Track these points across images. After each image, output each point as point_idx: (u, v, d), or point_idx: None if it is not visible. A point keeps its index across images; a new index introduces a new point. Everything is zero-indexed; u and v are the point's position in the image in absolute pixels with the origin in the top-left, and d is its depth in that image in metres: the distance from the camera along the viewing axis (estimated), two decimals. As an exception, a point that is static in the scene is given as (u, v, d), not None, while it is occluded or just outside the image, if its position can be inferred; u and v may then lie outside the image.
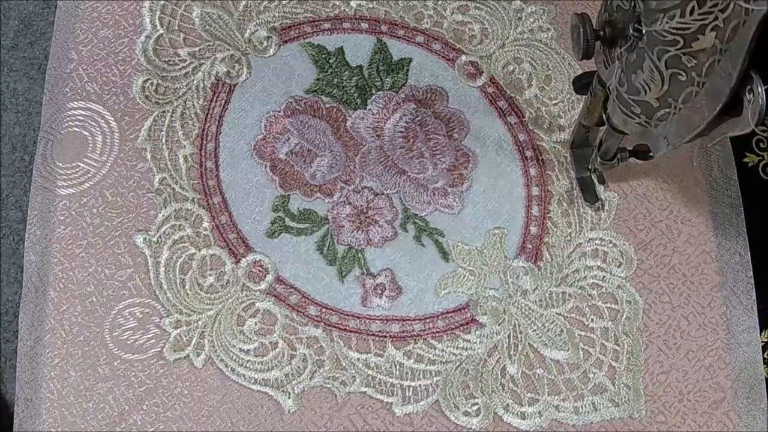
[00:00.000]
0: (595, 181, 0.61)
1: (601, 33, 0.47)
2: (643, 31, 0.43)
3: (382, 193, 0.62)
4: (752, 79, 0.38)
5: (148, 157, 0.62)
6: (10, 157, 0.62)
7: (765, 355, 0.62)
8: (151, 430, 0.56)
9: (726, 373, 0.60)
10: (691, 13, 0.39)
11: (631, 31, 0.44)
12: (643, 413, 0.59)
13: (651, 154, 0.55)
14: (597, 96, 0.52)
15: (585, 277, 0.61)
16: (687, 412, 0.59)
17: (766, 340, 0.63)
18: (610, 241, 0.62)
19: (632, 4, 0.44)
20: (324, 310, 0.59)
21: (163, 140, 0.63)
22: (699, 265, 0.62)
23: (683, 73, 0.42)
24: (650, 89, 0.45)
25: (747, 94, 0.38)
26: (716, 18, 0.39)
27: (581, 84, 0.54)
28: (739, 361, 0.60)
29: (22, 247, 0.59)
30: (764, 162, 0.67)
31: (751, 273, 0.61)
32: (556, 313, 0.60)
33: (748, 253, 0.62)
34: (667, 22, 0.41)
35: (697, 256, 0.62)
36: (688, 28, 0.40)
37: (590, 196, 0.61)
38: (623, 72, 0.46)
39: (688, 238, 0.62)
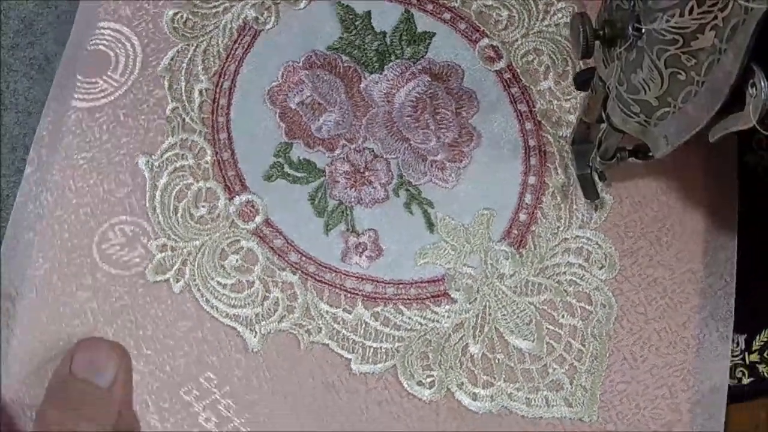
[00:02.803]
0: (596, 178, 0.54)
1: (601, 32, 0.42)
2: (643, 31, 0.39)
3: (382, 157, 0.56)
4: (754, 72, 0.34)
5: (166, 85, 0.57)
6: (10, 157, 0.56)
7: (765, 355, 0.56)
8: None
9: (687, 396, 0.53)
10: (691, 12, 0.36)
11: (630, 30, 0.40)
12: (594, 419, 0.52)
13: (651, 153, 0.48)
14: (597, 92, 0.47)
15: (564, 273, 0.54)
16: (639, 426, 0.52)
17: (766, 339, 0.57)
18: (597, 243, 0.55)
19: (632, 4, 0.40)
20: (304, 258, 0.54)
21: (183, 72, 0.57)
22: (682, 282, 0.54)
23: (683, 72, 0.38)
24: (650, 88, 0.40)
25: (750, 88, 0.35)
26: (715, 17, 0.35)
27: (582, 80, 0.49)
28: (703, 388, 0.53)
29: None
30: (764, 162, 0.61)
31: (733, 301, 0.54)
32: (529, 302, 0.54)
33: (734, 281, 0.54)
34: (666, 21, 0.37)
35: (682, 274, 0.55)
36: (688, 27, 0.36)
37: (591, 194, 0.54)
38: (623, 71, 0.42)
39: (677, 253, 0.55)
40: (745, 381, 0.57)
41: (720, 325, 0.54)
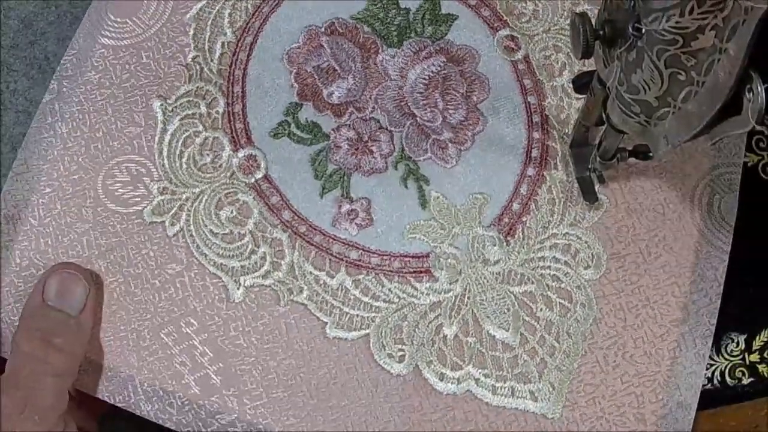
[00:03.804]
0: (595, 180, 0.52)
1: (601, 32, 0.40)
2: (643, 31, 0.37)
3: (387, 129, 0.54)
4: (752, 78, 0.32)
5: (191, 33, 0.55)
6: (10, 156, 0.56)
7: (765, 355, 0.55)
8: (109, 279, 0.50)
9: (653, 409, 0.50)
10: (691, 12, 0.34)
11: (630, 30, 0.38)
12: (558, 416, 0.50)
13: (650, 154, 0.48)
14: (596, 95, 0.45)
15: (549, 267, 0.52)
16: (601, 431, 0.48)
17: (766, 339, 0.55)
18: (586, 242, 0.52)
19: (632, 4, 0.38)
20: (296, 218, 0.52)
21: (209, 23, 0.56)
22: (666, 294, 0.52)
23: (683, 73, 0.36)
24: (650, 88, 0.38)
25: (747, 93, 0.33)
26: (716, 17, 0.33)
27: (581, 83, 0.46)
28: (671, 403, 0.50)
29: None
30: (764, 162, 0.58)
31: (715, 321, 0.51)
32: (509, 291, 0.51)
33: (719, 301, 0.51)
34: (666, 21, 0.35)
35: (667, 286, 0.52)
36: (688, 28, 0.34)
37: (590, 196, 0.52)
38: (623, 71, 0.40)
39: (664, 265, 0.52)
40: (745, 381, 0.55)
41: (698, 343, 0.51)
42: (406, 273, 0.51)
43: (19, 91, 0.57)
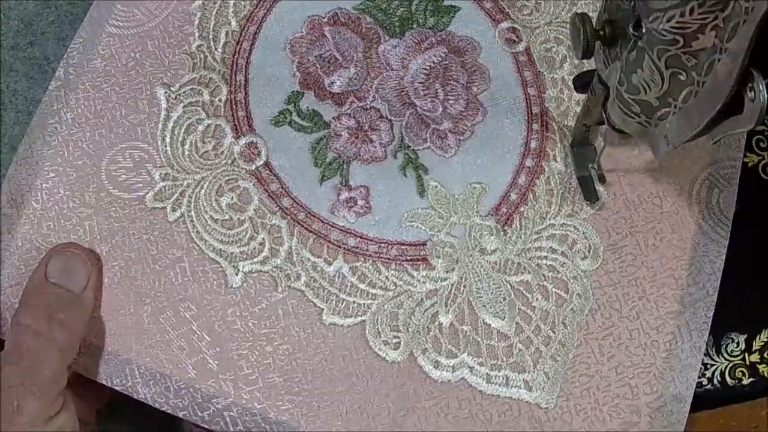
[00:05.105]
0: (596, 179, 0.51)
1: (601, 32, 0.40)
2: (643, 31, 0.36)
3: (387, 118, 0.53)
4: (753, 77, 0.32)
5: (196, 22, 0.55)
6: (10, 157, 0.55)
7: (765, 355, 0.54)
8: (110, 263, 0.50)
9: (648, 400, 0.49)
10: (691, 12, 0.34)
11: (630, 30, 0.37)
12: (552, 406, 0.49)
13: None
14: (597, 94, 0.45)
15: (546, 257, 0.51)
16: (595, 422, 0.49)
17: (766, 339, 0.54)
18: (583, 233, 0.51)
19: (632, 4, 0.38)
20: (295, 205, 0.51)
21: (214, 12, 0.55)
22: (662, 287, 0.50)
23: (683, 73, 0.36)
24: (650, 89, 0.38)
25: (748, 92, 0.33)
26: (716, 17, 0.33)
27: (581, 83, 0.46)
28: (666, 395, 0.49)
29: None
30: (764, 162, 0.58)
31: (712, 314, 0.50)
32: (506, 280, 0.50)
33: (716, 294, 0.50)
34: (667, 22, 0.35)
35: (664, 278, 0.51)
36: (688, 28, 0.34)
37: (590, 195, 0.51)
38: (623, 71, 0.39)
39: (661, 257, 0.51)
40: (745, 381, 0.55)
41: (694, 336, 0.49)
42: (403, 261, 0.50)
43: (19, 91, 0.57)
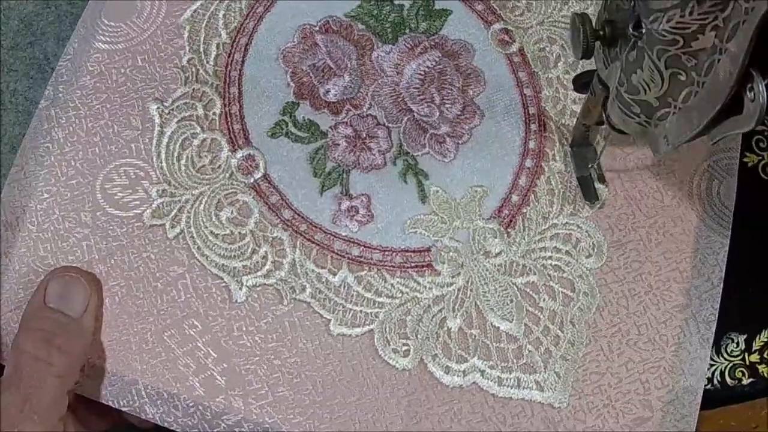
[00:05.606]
0: (595, 179, 0.51)
1: (601, 33, 0.40)
2: (643, 31, 0.36)
3: (384, 125, 0.53)
4: (753, 77, 0.32)
5: (185, 36, 0.54)
6: (10, 157, 0.54)
7: (765, 355, 0.54)
8: (111, 283, 0.49)
9: (660, 395, 0.49)
10: (691, 12, 0.33)
11: (630, 30, 0.37)
12: (564, 406, 0.49)
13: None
14: (597, 95, 0.44)
15: (550, 257, 0.50)
16: (608, 419, 0.48)
17: (766, 339, 0.54)
18: (586, 231, 0.51)
19: (632, 4, 0.37)
20: (296, 216, 0.51)
21: (203, 24, 0.54)
22: (668, 280, 0.50)
23: (683, 73, 0.36)
24: (650, 89, 0.38)
25: (747, 92, 0.32)
26: (716, 17, 0.33)
27: (581, 83, 0.46)
28: (677, 388, 0.49)
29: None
30: (764, 162, 0.58)
31: (718, 305, 0.50)
32: (512, 282, 0.50)
33: (721, 285, 0.50)
34: (666, 22, 0.34)
35: (669, 272, 0.51)
36: (688, 28, 0.34)
37: (590, 196, 0.51)
38: (623, 71, 0.39)
39: (665, 251, 0.51)
40: (745, 381, 0.54)
41: (702, 328, 0.49)
42: (408, 268, 0.50)
43: (19, 91, 0.56)
